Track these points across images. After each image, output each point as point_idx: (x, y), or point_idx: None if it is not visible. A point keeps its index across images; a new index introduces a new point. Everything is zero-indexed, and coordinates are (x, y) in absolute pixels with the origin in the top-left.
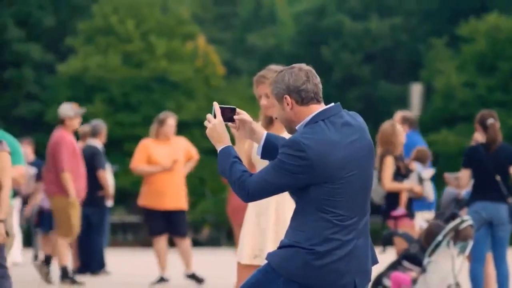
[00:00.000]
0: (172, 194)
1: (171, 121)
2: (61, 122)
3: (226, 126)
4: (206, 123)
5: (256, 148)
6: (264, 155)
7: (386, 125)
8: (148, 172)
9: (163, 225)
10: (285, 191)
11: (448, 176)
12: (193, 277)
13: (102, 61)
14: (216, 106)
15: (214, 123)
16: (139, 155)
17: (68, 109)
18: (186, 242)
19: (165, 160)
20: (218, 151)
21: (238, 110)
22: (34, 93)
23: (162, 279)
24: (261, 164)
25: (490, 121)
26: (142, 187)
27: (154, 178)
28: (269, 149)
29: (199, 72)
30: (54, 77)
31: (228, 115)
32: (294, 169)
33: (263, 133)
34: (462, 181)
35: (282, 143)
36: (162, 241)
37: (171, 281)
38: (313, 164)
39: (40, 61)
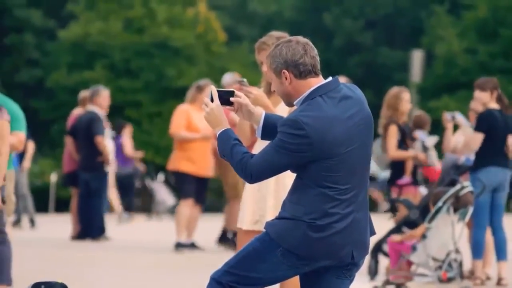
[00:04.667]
0: (207, 162)
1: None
2: None
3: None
4: (203, 107)
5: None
6: (264, 136)
7: (393, 91)
8: (188, 139)
9: (195, 190)
10: (287, 170)
11: (446, 114)
12: (193, 245)
13: (103, 27)
14: (213, 90)
15: (212, 107)
16: (178, 120)
17: (230, 78)
18: (199, 209)
19: (203, 127)
20: (217, 135)
21: (236, 92)
22: (35, 59)
23: (193, 245)
24: None
25: (499, 89)
26: (176, 152)
27: (192, 144)
28: (269, 129)
29: (200, 38)
30: (55, 43)
31: (225, 98)
32: (295, 148)
33: (262, 113)
34: (475, 145)
35: (281, 122)
36: (195, 206)
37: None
38: (313, 142)
39: (41, 27)
